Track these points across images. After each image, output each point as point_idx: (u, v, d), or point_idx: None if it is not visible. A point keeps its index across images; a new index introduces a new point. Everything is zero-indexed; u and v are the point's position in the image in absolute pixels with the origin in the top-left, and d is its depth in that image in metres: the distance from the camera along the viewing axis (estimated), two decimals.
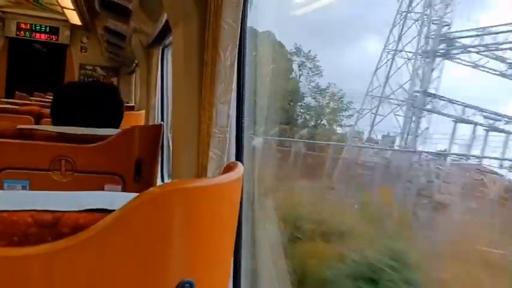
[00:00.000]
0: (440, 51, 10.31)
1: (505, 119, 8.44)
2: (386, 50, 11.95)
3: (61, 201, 0.63)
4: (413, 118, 9.58)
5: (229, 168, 0.74)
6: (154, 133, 1.80)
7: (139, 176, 1.67)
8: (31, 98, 5.23)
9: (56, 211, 0.61)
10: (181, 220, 0.60)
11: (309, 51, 14.88)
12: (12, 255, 0.52)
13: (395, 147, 9.59)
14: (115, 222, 0.55)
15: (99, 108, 1.79)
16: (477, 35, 9.67)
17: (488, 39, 9.55)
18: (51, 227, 0.60)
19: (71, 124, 1.68)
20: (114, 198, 0.65)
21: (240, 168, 0.74)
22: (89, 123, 1.70)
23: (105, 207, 0.63)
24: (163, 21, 2.74)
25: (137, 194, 0.57)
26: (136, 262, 0.57)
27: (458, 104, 9.52)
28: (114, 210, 0.56)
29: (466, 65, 9.79)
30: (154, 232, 0.58)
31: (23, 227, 0.59)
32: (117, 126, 1.81)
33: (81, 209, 0.62)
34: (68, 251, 0.53)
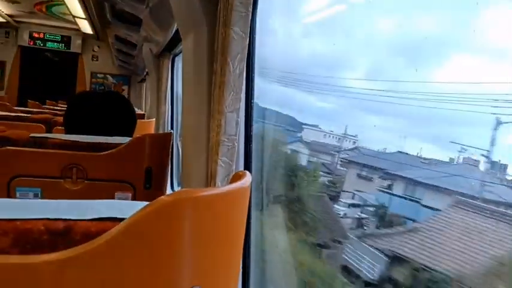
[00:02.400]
0: None
1: None
2: None
3: (73, 210, 0.65)
4: None
5: (237, 177, 0.75)
6: (164, 141, 1.82)
7: (149, 184, 1.68)
8: (43, 106, 5.29)
9: (68, 219, 0.62)
10: (190, 228, 0.61)
11: None
12: (25, 262, 0.53)
13: None
14: (125, 230, 0.56)
15: (113, 119, 1.82)
16: None
17: None
18: (63, 235, 0.61)
19: (84, 134, 1.71)
20: (125, 207, 0.67)
21: (247, 177, 0.75)
22: (102, 134, 1.72)
23: (116, 215, 0.64)
24: (174, 30, 2.77)
25: (147, 202, 0.58)
26: (147, 270, 0.58)
27: None
28: (124, 218, 0.57)
29: None
30: (164, 240, 0.59)
31: (36, 235, 0.61)
32: (130, 136, 1.84)
33: (93, 217, 0.63)
34: (79, 258, 0.54)
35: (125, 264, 0.57)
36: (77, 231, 0.62)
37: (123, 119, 1.86)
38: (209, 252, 0.67)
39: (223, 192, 0.70)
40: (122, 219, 0.57)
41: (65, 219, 0.62)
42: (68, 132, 1.79)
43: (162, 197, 0.58)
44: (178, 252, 0.61)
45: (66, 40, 9.71)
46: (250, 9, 1.37)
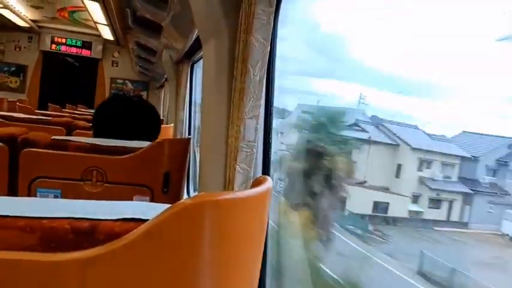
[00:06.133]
0: None
1: None
2: None
3: (97, 210, 0.65)
4: None
5: (258, 182, 0.75)
6: (183, 147, 1.83)
7: (167, 188, 1.69)
8: (63, 110, 5.37)
9: (93, 219, 0.63)
10: (211, 231, 0.61)
11: None
12: (49, 260, 0.54)
13: None
14: (148, 231, 0.56)
15: (140, 125, 1.86)
16: None
17: None
18: (87, 235, 0.62)
19: (111, 138, 1.74)
20: (147, 209, 0.67)
21: (269, 182, 0.75)
22: (128, 138, 1.75)
23: (139, 216, 0.65)
24: (194, 37, 2.80)
25: (169, 204, 0.58)
26: (167, 272, 0.59)
27: None
28: (147, 219, 0.57)
29: None
30: (185, 242, 0.59)
31: (61, 233, 0.61)
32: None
33: (117, 217, 0.64)
34: (102, 258, 0.55)
35: (146, 266, 0.57)
36: (101, 231, 0.62)
37: (150, 125, 1.91)
38: (229, 255, 0.67)
39: (245, 197, 0.70)
40: (145, 221, 0.58)
41: (90, 219, 0.63)
42: (96, 136, 1.83)
43: (184, 199, 0.59)
44: (199, 256, 0.61)
45: (87, 45, 9.87)
46: (272, 17, 1.38)
